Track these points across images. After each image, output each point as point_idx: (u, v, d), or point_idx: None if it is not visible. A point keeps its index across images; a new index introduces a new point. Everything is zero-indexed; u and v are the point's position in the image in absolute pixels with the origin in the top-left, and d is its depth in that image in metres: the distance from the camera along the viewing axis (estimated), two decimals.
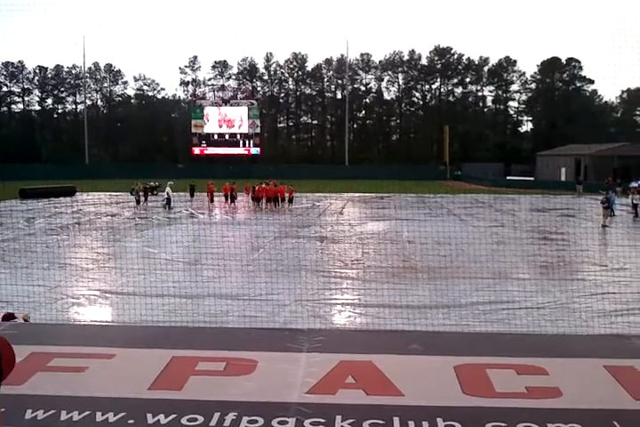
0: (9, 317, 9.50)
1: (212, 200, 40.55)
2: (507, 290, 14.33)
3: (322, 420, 5.95)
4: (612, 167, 58.17)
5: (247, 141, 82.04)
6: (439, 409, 6.11)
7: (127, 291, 14.18)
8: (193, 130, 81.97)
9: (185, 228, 26.46)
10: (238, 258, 18.44)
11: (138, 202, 39.54)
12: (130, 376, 6.76)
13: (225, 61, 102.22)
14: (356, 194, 48.58)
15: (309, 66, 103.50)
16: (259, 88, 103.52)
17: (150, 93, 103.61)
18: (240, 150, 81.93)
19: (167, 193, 37.63)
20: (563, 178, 66.15)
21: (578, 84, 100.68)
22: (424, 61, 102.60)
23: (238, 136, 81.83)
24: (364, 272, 17.01)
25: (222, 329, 9.69)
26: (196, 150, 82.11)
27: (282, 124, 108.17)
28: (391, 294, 13.63)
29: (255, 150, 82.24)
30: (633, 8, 74.60)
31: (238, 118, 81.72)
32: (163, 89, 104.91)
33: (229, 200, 39.80)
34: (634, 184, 42.92)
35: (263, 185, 39.98)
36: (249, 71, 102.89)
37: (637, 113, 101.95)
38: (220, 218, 33.57)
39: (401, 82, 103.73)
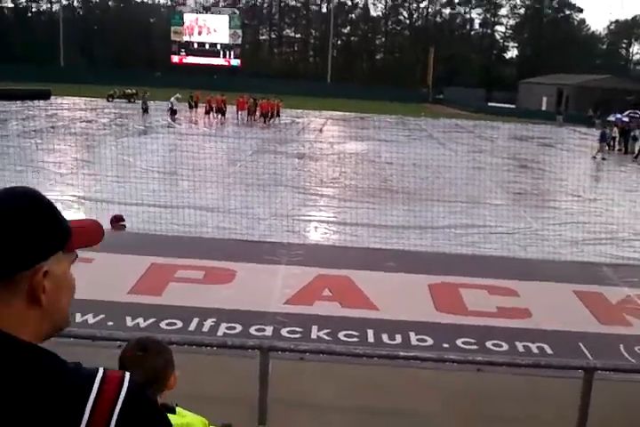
0: (119, 219, 9.50)
1: (207, 112, 39.55)
2: (481, 214, 14.49)
3: (298, 329, 6.12)
4: (594, 99, 57.95)
5: (227, 52, 79.85)
6: (412, 324, 6.32)
7: (103, 198, 14.07)
8: (172, 37, 79.38)
9: (163, 137, 26.08)
10: (216, 170, 18.33)
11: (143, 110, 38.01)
12: (109, 280, 6.83)
13: None
14: (337, 113, 48.04)
15: None
16: None
17: None
18: (220, 61, 79.85)
19: (171, 103, 36.59)
20: (544, 107, 65.88)
21: (567, 12, 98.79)
22: None
23: (218, 46, 79.54)
24: (341, 191, 17.05)
25: (202, 239, 9.76)
26: (175, 59, 79.86)
27: (264, 37, 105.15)
28: (367, 214, 13.72)
29: (235, 62, 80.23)
30: None
31: (219, 27, 79.15)
32: None
33: (219, 113, 38.99)
34: (611, 118, 42.92)
35: (264, 100, 39.39)
36: None
37: (624, 46, 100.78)
38: (200, 130, 33.13)
39: None
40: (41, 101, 43.29)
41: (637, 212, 15.46)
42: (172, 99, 36.93)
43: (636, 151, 30.10)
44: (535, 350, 5.81)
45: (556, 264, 9.31)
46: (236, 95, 40.57)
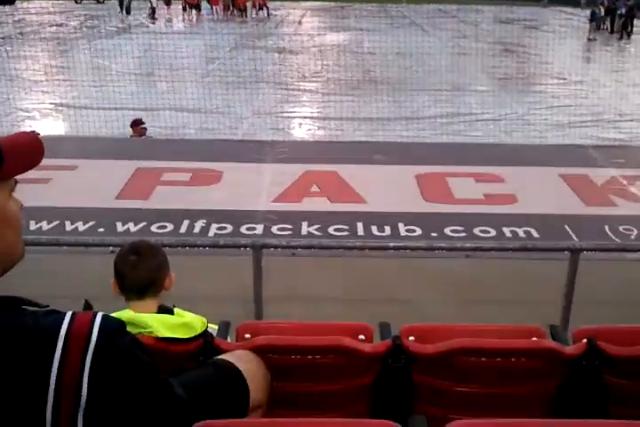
0: (139, 122, 9.46)
1: (184, 9, 37.84)
2: (466, 102, 14.35)
3: (288, 226, 6.17)
4: None
5: None
6: (401, 215, 6.38)
7: (81, 104, 13.77)
8: None
9: (137, 38, 25.18)
10: (194, 69, 17.85)
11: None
12: (95, 187, 6.80)
13: None
14: (316, 2, 46.28)
15: None
16: None
17: None
18: None
19: (150, 2, 34.83)
20: None
21: None
22: None
23: None
24: (323, 85, 16.73)
25: (185, 141, 9.66)
26: None
27: None
28: (351, 107, 13.55)
29: None
30: None
31: None
32: None
33: (193, 9, 37.37)
34: None
35: None
36: None
37: None
38: (175, 28, 31.96)
39: None
40: (6, 7, 41.35)
41: (623, 92, 15.31)
42: None
43: (621, 30, 29.40)
44: (522, 235, 5.92)
45: (541, 148, 9.33)
46: None
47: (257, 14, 37.25)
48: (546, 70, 19.57)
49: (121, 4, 36.11)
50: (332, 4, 44.98)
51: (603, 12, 31.98)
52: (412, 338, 2.43)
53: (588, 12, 31.81)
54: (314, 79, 17.59)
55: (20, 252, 1.11)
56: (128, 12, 35.04)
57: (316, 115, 13.67)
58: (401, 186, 7.07)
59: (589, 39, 27.67)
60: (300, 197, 6.74)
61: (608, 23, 31.41)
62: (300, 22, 34.89)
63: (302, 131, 12.51)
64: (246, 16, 36.84)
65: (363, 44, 23.90)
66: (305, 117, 13.43)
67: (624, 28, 29.44)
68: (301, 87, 16.45)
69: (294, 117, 13.39)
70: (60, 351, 0.99)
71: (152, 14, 34.59)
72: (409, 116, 12.97)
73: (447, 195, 6.87)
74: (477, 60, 20.46)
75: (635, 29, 30.15)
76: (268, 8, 37.81)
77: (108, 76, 16.89)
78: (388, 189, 7.00)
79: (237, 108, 13.40)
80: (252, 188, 6.96)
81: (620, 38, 28.67)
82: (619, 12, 30.96)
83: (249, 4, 38.12)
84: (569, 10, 43.28)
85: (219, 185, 6.98)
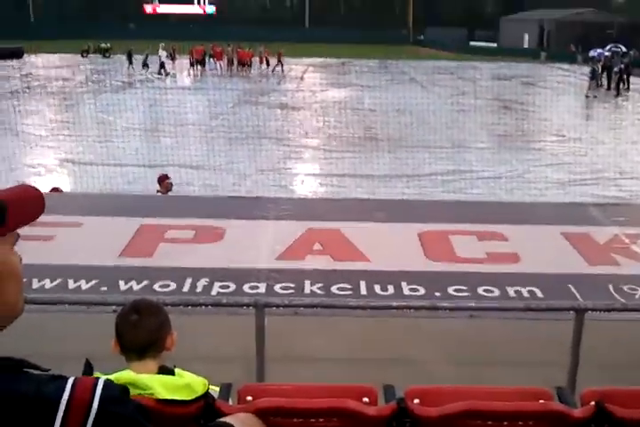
0: (165, 178, 9.63)
1: (192, 64, 38.55)
2: (466, 159, 14.50)
3: (291, 284, 6.16)
4: (575, 34, 57.25)
5: None
6: (404, 274, 6.37)
7: (85, 160, 13.93)
8: None
9: (142, 93, 25.66)
10: (198, 125, 18.12)
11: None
12: (99, 244, 6.82)
13: None
14: (318, 59, 47.30)
15: None
16: None
17: None
18: (195, 8, 77.88)
19: (160, 57, 35.46)
20: (526, 45, 65.11)
21: None
22: None
23: None
24: (325, 141, 16.95)
25: (189, 198, 9.72)
26: (148, 8, 77.78)
27: None
28: (353, 164, 13.70)
29: (210, 9, 78.26)
30: None
31: None
32: None
33: (198, 64, 38.13)
34: (593, 53, 42.38)
35: (246, 49, 38.59)
36: None
37: None
38: (179, 83, 32.59)
39: None
40: (14, 61, 42.28)
41: (622, 150, 15.50)
42: (161, 51, 35.81)
43: (617, 87, 29.86)
44: (526, 294, 5.90)
45: (542, 207, 9.38)
46: (213, 44, 39.76)
47: (273, 71, 37.67)
48: (544, 127, 19.85)
49: (129, 59, 36.88)
50: (334, 60, 45.98)
51: (600, 69, 32.60)
52: (416, 401, 2.40)
53: (586, 69, 32.42)
54: (316, 135, 17.84)
55: (21, 307, 1.09)
56: (146, 67, 35.55)
57: (318, 171, 13.82)
58: (404, 244, 7.09)
59: (587, 96, 28.14)
60: (303, 254, 6.75)
61: (605, 80, 31.96)
62: (302, 78, 35.59)
63: (305, 187, 12.62)
64: (250, 71, 37.56)
65: (363, 100, 24.35)
66: (307, 174, 13.57)
67: (620, 85, 29.96)
68: (304, 143, 16.67)
69: (297, 174, 13.53)
70: (59, 421, 0.98)
71: (162, 69, 35.26)
72: (410, 174, 13.10)
73: (450, 253, 6.88)
74: (477, 116, 20.81)
75: (632, 86, 30.73)
76: (282, 64, 38.19)
77: (112, 131, 17.13)
78: (390, 247, 7.01)
79: (240, 165, 13.55)
80: (255, 245, 6.97)
81: (617, 95, 29.14)
82: (615, 69, 31.53)
83: (255, 60, 38.89)
84: (566, 66, 44.20)
85: (221, 242, 7.00)
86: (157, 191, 9.58)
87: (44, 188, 11.75)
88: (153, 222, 7.43)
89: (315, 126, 19.26)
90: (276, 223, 7.60)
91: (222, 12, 79.80)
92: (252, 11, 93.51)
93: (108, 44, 46.86)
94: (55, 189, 9.74)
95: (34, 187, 1.11)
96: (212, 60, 38.74)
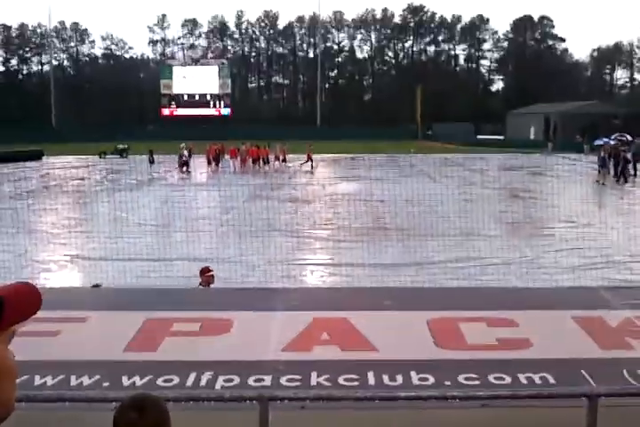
0: (207, 270, 9.79)
1: (209, 162, 39.63)
2: (476, 247, 14.50)
3: (297, 377, 6.02)
4: (581, 125, 58.52)
5: (217, 102, 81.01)
6: (413, 363, 6.22)
7: (97, 256, 14.07)
8: (162, 90, 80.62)
9: (157, 190, 26.20)
10: (210, 219, 18.36)
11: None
12: (103, 339, 6.74)
13: (195, 20, 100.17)
14: (328, 155, 48.43)
15: (281, 24, 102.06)
16: (229, 47, 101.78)
17: (118, 53, 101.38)
18: (210, 111, 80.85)
19: (184, 156, 36.54)
20: (532, 136, 66.53)
21: (550, 43, 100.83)
22: (397, 19, 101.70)
23: (208, 97, 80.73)
24: (334, 232, 17.07)
25: (196, 290, 9.69)
26: (166, 111, 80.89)
27: (253, 84, 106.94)
28: (362, 253, 13.72)
29: (226, 111, 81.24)
30: None
31: (208, 78, 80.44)
32: (131, 48, 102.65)
33: (214, 162, 39.16)
34: (599, 142, 43.17)
35: (262, 147, 39.95)
36: (219, 30, 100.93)
37: (607, 71, 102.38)
38: (194, 181, 33.33)
39: (374, 40, 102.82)
40: (33, 162, 43.57)
41: (631, 234, 15.48)
42: (184, 151, 36.98)
43: (622, 175, 30.21)
44: (538, 381, 5.71)
45: (553, 291, 9.26)
46: (229, 143, 40.97)
47: (300, 166, 38.48)
48: (553, 214, 19.94)
49: (150, 157, 38.06)
50: (344, 155, 47.05)
51: (607, 157, 33.09)
52: None
53: (593, 158, 32.89)
54: (325, 227, 18.00)
55: (11, 407, 1.09)
56: (186, 166, 36.35)
57: (327, 261, 13.84)
58: (413, 332, 6.96)
59: (597, 181, 28.42)
60: (310, 345, 6.62)
61: (612, 167, 32.39)
62: (312, 173, 36.32)
63: (314, 277, 12.61)
64: (264, 168, 38.50)
65: (372, 192, 24.69)
66: (316, 264, 13.58)
67: (625, 173, 30.32)
68: (313, 235, 16.79)
69: (306, 264, 13.54)
70: None
71: (183, 166, 36.20)
72: (419, 262, 13.08)
73: (460, 340, 6.73)
74: (485, 205, 20.97)
75: (639, 173, 31.07)
76: (312, 160, 38.78)
77: (125, 227, 17.38)
78: (399, 336, 6.88)
79: (250, 257, 13.62)
80: (262, 337, 6.87)
81: (625, 182, 29.42)
82: (622, 155, 32.04)
83: (271, 157, 39.87)
84: (573, 156, 44.90)
85: (228, 334, 6.90)
86: (200, 284, 9.71)
87: (60, 282, 11.84)
88: (158, 316, 7.37)
89: (324, 218, 19.46)
90: (283, 313, 7.52)
91: (237, 113, 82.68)
92: (266, 111, 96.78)
93: (126, 145, 48.35)
94: (96, 286, 9.86)
95: (30, 284, 1.12)
96: (226, 157, 39.81)
